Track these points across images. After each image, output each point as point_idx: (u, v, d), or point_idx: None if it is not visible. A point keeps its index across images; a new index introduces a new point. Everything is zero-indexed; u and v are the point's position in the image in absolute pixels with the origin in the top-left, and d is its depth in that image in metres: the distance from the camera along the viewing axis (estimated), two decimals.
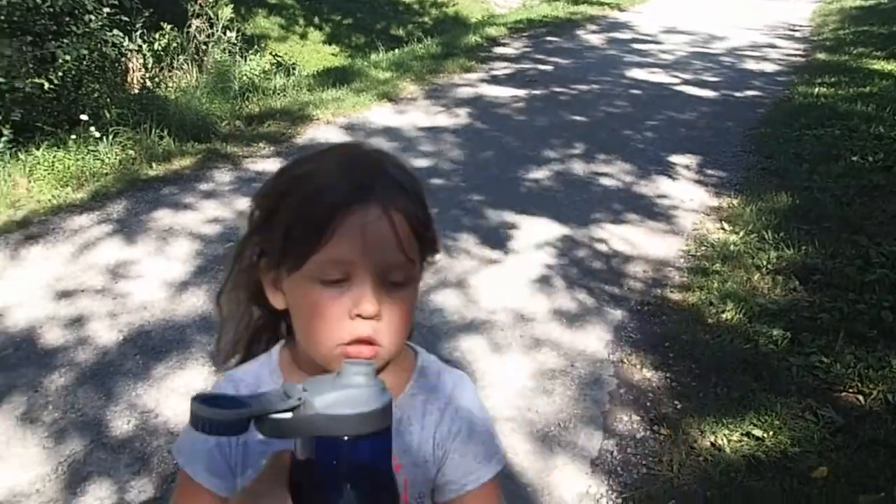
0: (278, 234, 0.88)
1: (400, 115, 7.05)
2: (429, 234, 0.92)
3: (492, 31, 11.45)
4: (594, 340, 3.55)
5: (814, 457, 2.80)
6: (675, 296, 4.00)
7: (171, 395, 3.02)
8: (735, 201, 5.29)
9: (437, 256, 0.96)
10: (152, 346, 3.33)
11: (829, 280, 4.10)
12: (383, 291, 0.85)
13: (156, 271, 3.98)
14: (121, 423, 2.84)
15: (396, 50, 9.80)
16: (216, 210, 4.73)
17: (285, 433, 0.66)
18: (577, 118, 7.27)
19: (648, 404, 3.11)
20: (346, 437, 0.65)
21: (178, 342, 3.37)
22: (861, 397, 3.17)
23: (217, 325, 1.03)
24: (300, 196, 0.87)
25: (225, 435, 0.65)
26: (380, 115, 7.00)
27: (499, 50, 10.48)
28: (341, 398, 0.65)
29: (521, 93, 8.03)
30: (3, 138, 5.29)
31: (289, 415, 0.65)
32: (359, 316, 0.84)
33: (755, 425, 2.95)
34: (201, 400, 0.65)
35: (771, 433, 2.91)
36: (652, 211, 5.15)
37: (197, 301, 3.70)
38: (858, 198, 5.24)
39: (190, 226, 4.51)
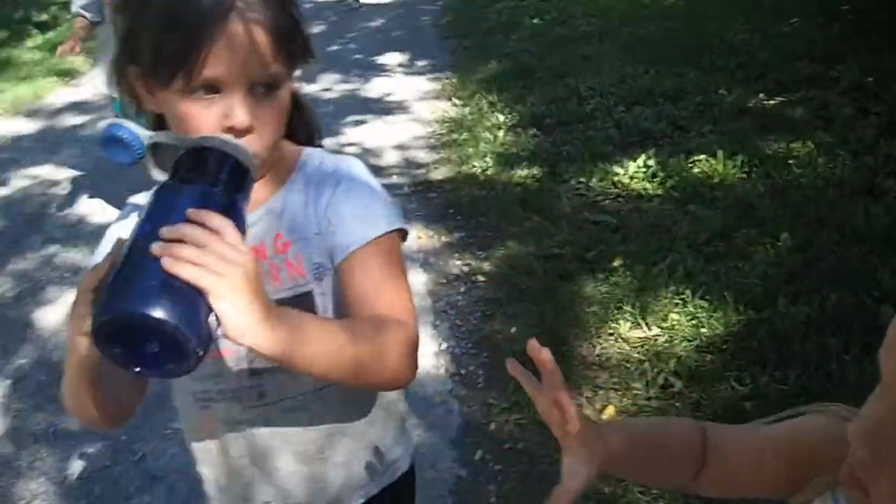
0: (144, 49, 0.86)
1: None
2: (297, 41, 0.90)
3: None
4: None
5: (607, 253, 3.15)
6: (441, 169, 4.18)
7: None
8: (454, 80, 5.59)
9: (313, 60, 0.94)
10: None
11: (559, 119, 4.55)
12: (253, 100, 0.85)
13: None
14: None
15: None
16: None
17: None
18: None
19: (458, 262, 3.26)
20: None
21: None
22: (621, 200, 3.61)
23: None
24: (157, 13, 0.84)
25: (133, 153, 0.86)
26: (62, 95, 6.22)
27: None
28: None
29: None
30: None
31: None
32: (231, 129, 0.84)
33: (552, 246, 3.23)
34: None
35: (567, 247, 3.21)
36: (387, 109, 5.26)
37: None
38: (550, 50, 5.82)
39: None
